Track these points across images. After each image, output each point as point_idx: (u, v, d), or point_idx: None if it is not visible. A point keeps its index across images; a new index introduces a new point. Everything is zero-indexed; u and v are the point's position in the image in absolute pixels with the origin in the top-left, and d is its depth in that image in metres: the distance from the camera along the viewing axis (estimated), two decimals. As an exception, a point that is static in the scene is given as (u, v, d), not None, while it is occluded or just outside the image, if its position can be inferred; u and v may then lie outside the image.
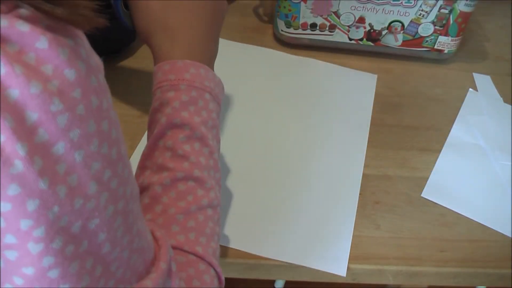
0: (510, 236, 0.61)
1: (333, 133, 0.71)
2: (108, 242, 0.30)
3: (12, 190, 0.25)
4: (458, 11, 0.78)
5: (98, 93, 0.28)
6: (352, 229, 0.60)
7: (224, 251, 0.56)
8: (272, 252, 0.56)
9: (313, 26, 0.82)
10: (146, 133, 0.67)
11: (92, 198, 0.28)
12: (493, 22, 0.98)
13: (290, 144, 0.69)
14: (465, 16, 0.79)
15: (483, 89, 0.82)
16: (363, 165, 0.67)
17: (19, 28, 0.24)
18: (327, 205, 0.62)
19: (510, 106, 0.80)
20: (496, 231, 0.62)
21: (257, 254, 0.56)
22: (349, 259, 0.57)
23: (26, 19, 0.25)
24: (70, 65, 0.26)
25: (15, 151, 0.24)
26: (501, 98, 0.81)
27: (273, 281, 1.38)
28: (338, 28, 0.82)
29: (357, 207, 0.62)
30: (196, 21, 0.50)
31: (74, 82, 0.26)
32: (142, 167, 0.47)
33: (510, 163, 0.70)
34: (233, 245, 0.57)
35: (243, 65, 0.81)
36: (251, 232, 0.58)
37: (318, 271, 0.56)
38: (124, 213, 0.32)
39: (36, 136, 0.25)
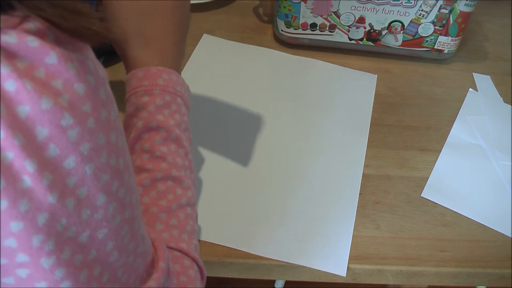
0: (510, 236, 0.61)
1: (333, 133, 0.71)
2: (116, 250, 0.31)
3: (23, 205, 0.25)
4: (458, 11, 0.78)
5: (106, 105, 0.29)
6: (352, 229, 0.60)
7: (224, 251, 0.56)
8: (272, 252, 0.56)
9: (313, 26, 0.82)
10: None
11: (100, 209, 0.29)
12: (493, 22, 0.98)
13: (290, 144, 0.69)
14: (465, 16, 0.79)
15: (483, 89, 0.82)
16: (363, 165, 0.67)
17: (29, 44, 0.25)
18: (327, 205, 0.62)
19: (510, 106, 0.80)
20: (496, 231, 0.62)
21: (257, 254, 0.56)
22: (349, 259, 0.57)
23: (35, 33, 0.25)
24: (79, 79, 0.26)
25: (24, 167, 0.24)
26: (501, 98, 0.81)
27: (273, 281, 1.38)
28: (338, 28, 0.82)
29: (357, 207, 0.62)
30: (169, 28, 0.51)
31: (84, 96, 0.27)
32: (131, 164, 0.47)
33: (510, 163, 0.70)
34: (233, 245, 0.57)
35: (243, 65, 0.81)
36: (251, 232, 0.58)
37: (318, 271, 0.56)
38: (130, 220, 0.32)
39: (47, 151, 0.25)
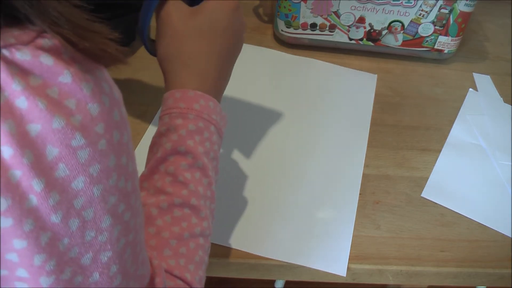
0: (510, 236, 0.61)
1: (333, 133, 0.71)
2: (120, 274, 0.31)
3: (27, 225, 0.25)
4: (458, 11, 0.78)
5: (120, 127, 0.28)
6: (352, 229, 0.60)
7: (224, 251, 0.56)
8: (273, 252, 0.56)
9: (313, 26, 0.82)
10: (145, 133, 0.67)
11: (105, 231, 0.28)
12: (493, 22, 0.98)
13: (290, 144, 0.69)
14: (465, 16, 0.79)
15: (483, 89, 0.82)
16: (363, 165, 0.67)
17: (43, 61, 0.24)
18: (327, 205, 0.62)
19: (510, 106, 0.80)
20: (496, 231, 0.62)
21: (257, 254, 0.56)
22: (349, 259, 0.57)
23: (49, 51, 0.25)
24: (93, 100, 0.26)
25: (31, 186, 0.24)
26: (501, 98, 0.81)
27: (273, 281, 1.37)
28: (338, 28, 0.82)
29: (357, 207, 0.62)
30: (214, 55, 0.50)
31: (97, 117, 0.26)
32: (139, 187, 0.47)
33: (510, 163, 0.70)
34: (233, 245, 0.57)
35: (243, 65, 0.80)
36: (251, 232, 0.58)
37: (318, 271, 0.56)
38: (133, 243, 0.32)
39: (56, 171, 0.25)
